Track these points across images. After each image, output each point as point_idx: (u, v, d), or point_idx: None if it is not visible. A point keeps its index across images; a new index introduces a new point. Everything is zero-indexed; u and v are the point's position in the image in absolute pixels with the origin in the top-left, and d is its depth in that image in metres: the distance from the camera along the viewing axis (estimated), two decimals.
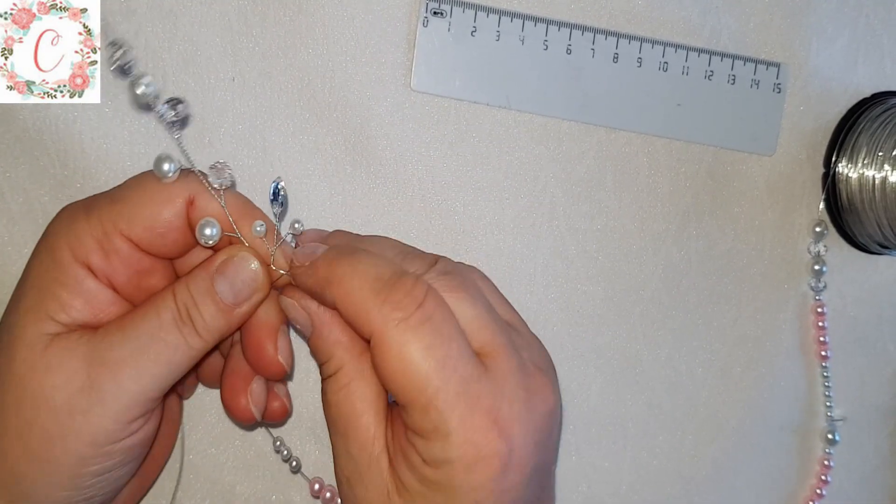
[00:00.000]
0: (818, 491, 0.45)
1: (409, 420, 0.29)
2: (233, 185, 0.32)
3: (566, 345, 0.43)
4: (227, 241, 0.32)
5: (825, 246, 0.45)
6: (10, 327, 0.30)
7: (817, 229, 0.44)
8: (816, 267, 0.45)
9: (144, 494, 0.37)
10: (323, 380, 0.32)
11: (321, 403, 0.32)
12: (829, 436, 0.45)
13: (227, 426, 0.39)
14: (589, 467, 0.43)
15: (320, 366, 0.32)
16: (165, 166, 0.31)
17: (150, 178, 0.31)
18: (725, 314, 0.44)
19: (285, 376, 0.34)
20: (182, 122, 0.32)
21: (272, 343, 0.33)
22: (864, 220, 0.44)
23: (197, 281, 0.31)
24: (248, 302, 0.32)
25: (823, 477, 0.45)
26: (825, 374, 0.45)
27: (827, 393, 0.45)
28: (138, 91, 0.30)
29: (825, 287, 0.45)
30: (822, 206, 0.45)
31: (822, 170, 0.45)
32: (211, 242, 0.31)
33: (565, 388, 0.42)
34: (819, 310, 0.45)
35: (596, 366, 0.43)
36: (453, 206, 0.41)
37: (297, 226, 0.33)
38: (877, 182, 0.43)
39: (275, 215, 0.33)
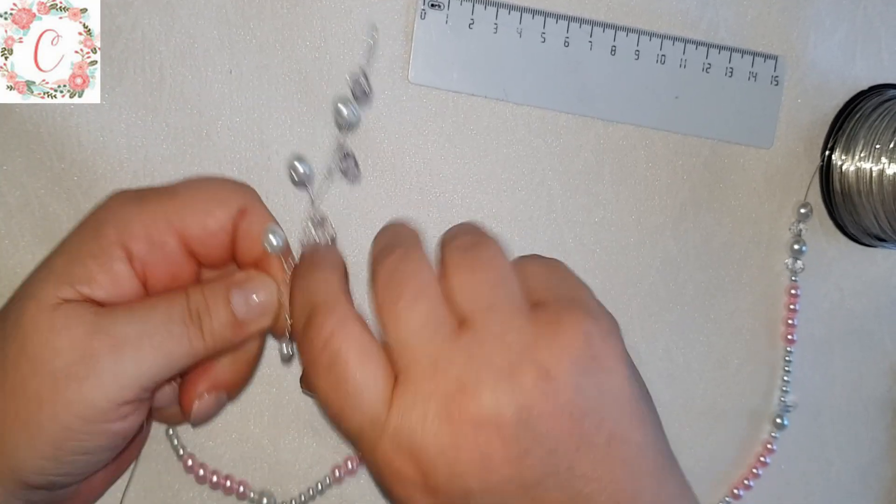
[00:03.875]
0: (754, 470, 0.45)
1: None
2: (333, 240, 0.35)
3: None
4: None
5: (806, 227, 0.45)
6: (29, 285, 0.30)
7: (802, 210, 0.44)
8: (796, 246, 0.44)
9: (114, 481, 0.37)
10: (303, 342, 0.30)
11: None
12: (778, 420, 0.45)
13: (224, 419, 0.39)
14: None
15: (299, 330, 0.31)
16: (272, 238, 0.32)
17: (206, 179, 0.33)
18: (722, 307, 0.45)
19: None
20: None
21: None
22: (861, 212, 0.44)
23: (213, 288, 0.32)
24: (255, 323, 0.32)
25: (763, 458, 0.45)
26: (787, 357, 0.45)
27: (785, 378, 0.45)
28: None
29: (803, 269, 0.45)
30: (808, 189, 0.45)
31: (819, 162, 0.45)
32: (271, 250, 0.32)
33: None
34: (793, 291, 0.45)
35: None
36: (451, 199, 0.41)
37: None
38: (874, 174, 0.43)
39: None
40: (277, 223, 0.33)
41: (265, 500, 0.38)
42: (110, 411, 0.30)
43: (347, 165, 0.35)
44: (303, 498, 0.39)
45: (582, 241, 0.42)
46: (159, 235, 0.31)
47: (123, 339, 0.29)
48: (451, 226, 0.40)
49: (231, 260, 0.34)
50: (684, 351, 0.44)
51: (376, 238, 0.33)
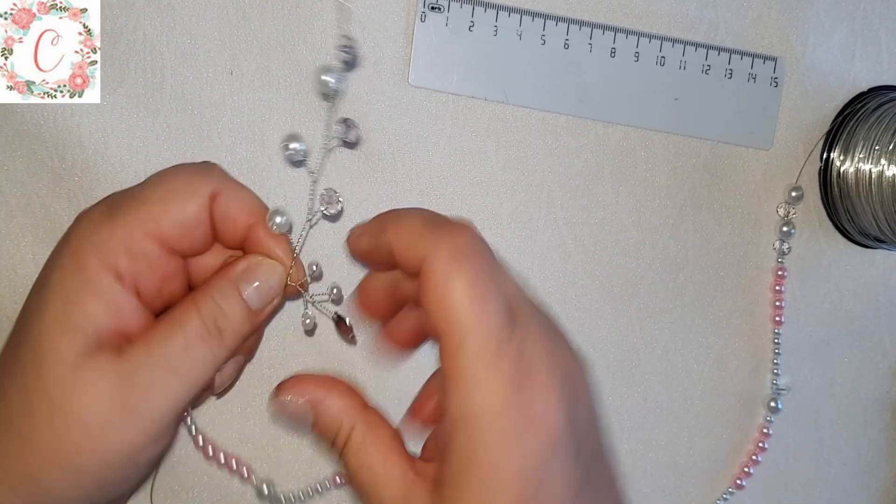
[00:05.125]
0: (754, 457, 0.45)
1: (443, 358, 0.28)
2: (337, 215, 0.34)
3: None
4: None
5: (795, 211, 0.45)
6: (37, 340, 0.30)
7: (793, 193, 0.44)
8: (784, 228, 0.45)
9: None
10: (339, 455, 0.32)
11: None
12: (772, 403, 0.45)
13: (224, 419, 0.39)
14: None
15: (330, 444, 0.32)
16: (278, 219, 0.32)
17: (170, 174, 0.32)
18: (721, 307, 0.45)
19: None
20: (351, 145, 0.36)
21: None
22: (861, 213, 0.44)
23: (223, 290, 0.32)
24: (270, 306, 0.33)
25: (761, 444, 0.45)
26: (776, 340, 0.45)
27: (775, 360, 0.45)
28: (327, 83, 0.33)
29: (790, 250, 0.45)
30: (800, 170, 0.45)
31: (818, 164, 0.45)
32: (279, 230, 0.32)
33: None
34: (780, 273, 0.45)
35: (592, 359, 0.43)
36: (451, 201, 0.41)
37: (335, 290, 0.34)
38: (873, 176, 0.43)
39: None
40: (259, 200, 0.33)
41: (265, 487, 0.39)
42: (148, 445, 0.31)
43: (347, 129, 0.34)
44: (302, 496, 0.39)
45: (581, 241, 0.42)
46: (139, 246, 0.30)
47: (150, 384, 0.30)
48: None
49: (212, 243, 0.33)
50: (683, 351, 0.44)
51: (403, 215, 0.32)
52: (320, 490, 0.40)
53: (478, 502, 0.27)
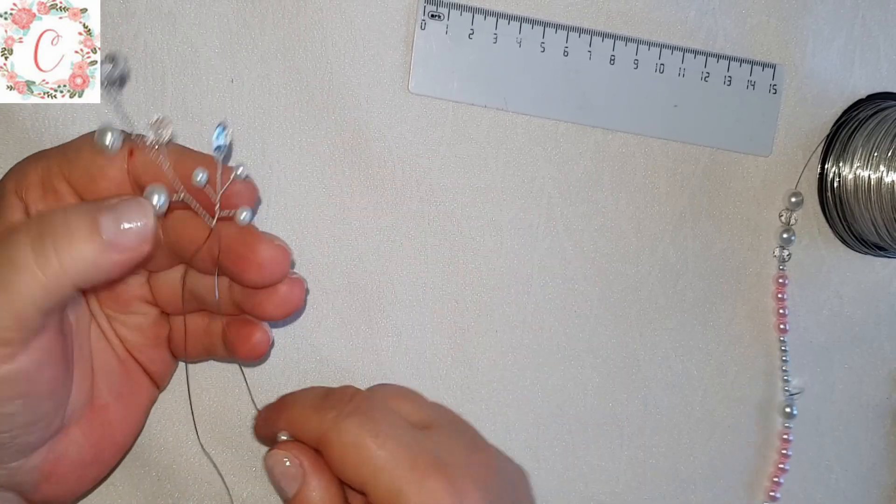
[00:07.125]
0: (781, 466, 0.45)
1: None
2: (171, 139, 0.31)
3: (563, 345, 0.43)
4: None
5: (796, 218, 0.45)
6: None
7: (793, 199, 0.44)
8: (785, 235, 0.45)
9: (98, 475, 0.35)
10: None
11: None
12: (787, 409, 0.45)
13: (222, 426, 0.39)
14: (585, 466, 0.43)
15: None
16: (108, 137, 0.30)
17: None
18: (721, 314, 0.45)
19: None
20: (120, 82, 0.32)
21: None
22: (860, 220, 0.44)
23: (77, 208, 0.28)
24: (130, 251, 0.28)
25: (784, 451, 0.45)
26: (783, 347, 0.45)
27: (784, 368, 0.45)
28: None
29: (790, 257, 0.45)
30: (800, 176, 0.45)
31: (818, 171, 0.45)
32: (159, 209, 0.29)
33: (562, 388, 0.43)
34: (781, 280, 0.45)
35: (592, 366, 0.43)
36: (451, 208, 0.41)
37: (240, 170, 0.31)
38: (872, 182, 0.43)
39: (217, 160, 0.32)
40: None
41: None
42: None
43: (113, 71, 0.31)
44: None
45: (581, 248, 0.43)
46: (50, 182, 0.31)
47: None
48: (442, 235, 0.40)
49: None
50: (683, 358, 0.44)
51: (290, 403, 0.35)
52: None
53: None
